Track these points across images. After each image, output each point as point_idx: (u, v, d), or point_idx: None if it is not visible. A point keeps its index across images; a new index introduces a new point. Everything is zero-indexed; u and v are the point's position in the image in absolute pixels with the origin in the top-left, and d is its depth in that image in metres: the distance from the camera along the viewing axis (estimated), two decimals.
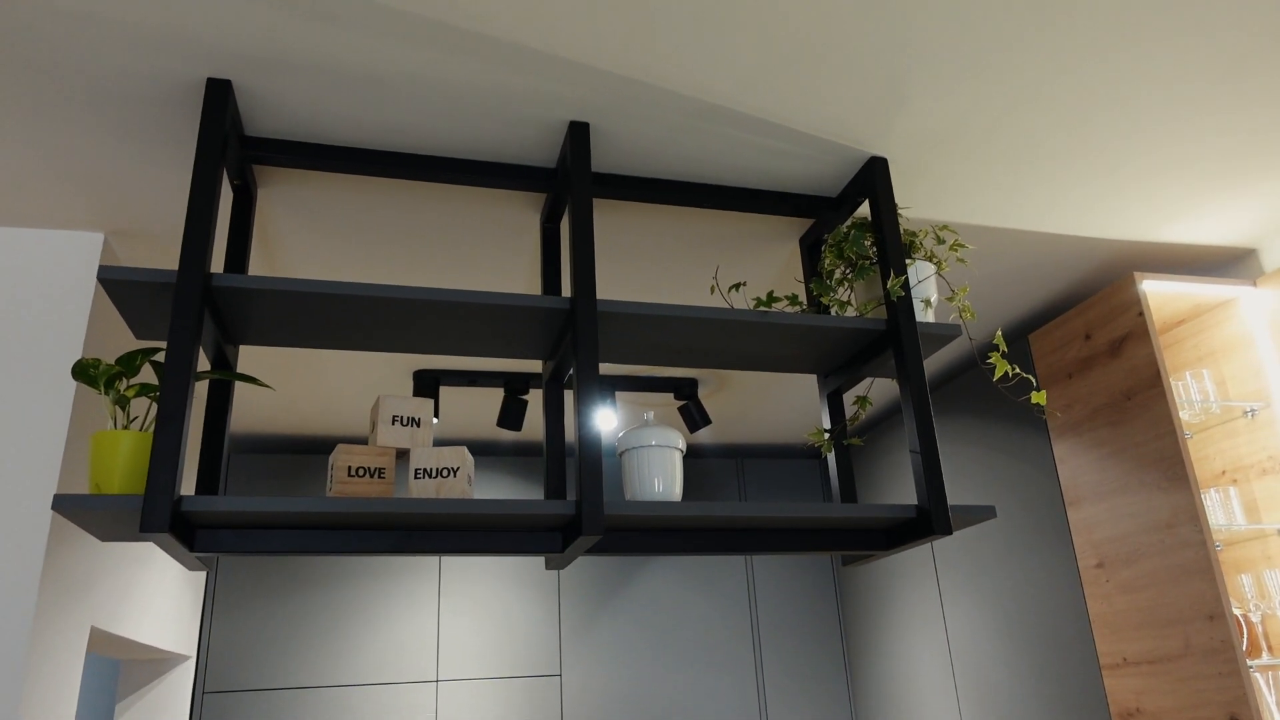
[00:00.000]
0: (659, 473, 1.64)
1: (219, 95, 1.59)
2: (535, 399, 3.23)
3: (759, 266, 2.36)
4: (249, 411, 3.21)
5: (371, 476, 1.48)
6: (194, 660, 3.16)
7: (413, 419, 1.54)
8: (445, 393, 3.12)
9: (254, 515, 1.42)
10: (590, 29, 1.52)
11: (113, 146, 1.76)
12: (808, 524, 1.70)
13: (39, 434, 1.89)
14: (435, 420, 2.93)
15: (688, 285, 2.44)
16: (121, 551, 2.36)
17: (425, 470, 1.50)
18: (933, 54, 1.64)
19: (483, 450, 3.79)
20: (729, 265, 2.35)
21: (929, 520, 1.65)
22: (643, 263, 2.32)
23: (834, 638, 3.80)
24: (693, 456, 3.97)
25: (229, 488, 3.42)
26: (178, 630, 2.93)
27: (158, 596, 2.70)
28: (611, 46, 1.57)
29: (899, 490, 3.45)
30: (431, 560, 3.50)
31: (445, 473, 1.50)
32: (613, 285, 2.43)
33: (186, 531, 1.44)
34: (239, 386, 2.96)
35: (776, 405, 3.45)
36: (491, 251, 2.22)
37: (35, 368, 1.94)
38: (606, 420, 3.14)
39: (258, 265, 2.23)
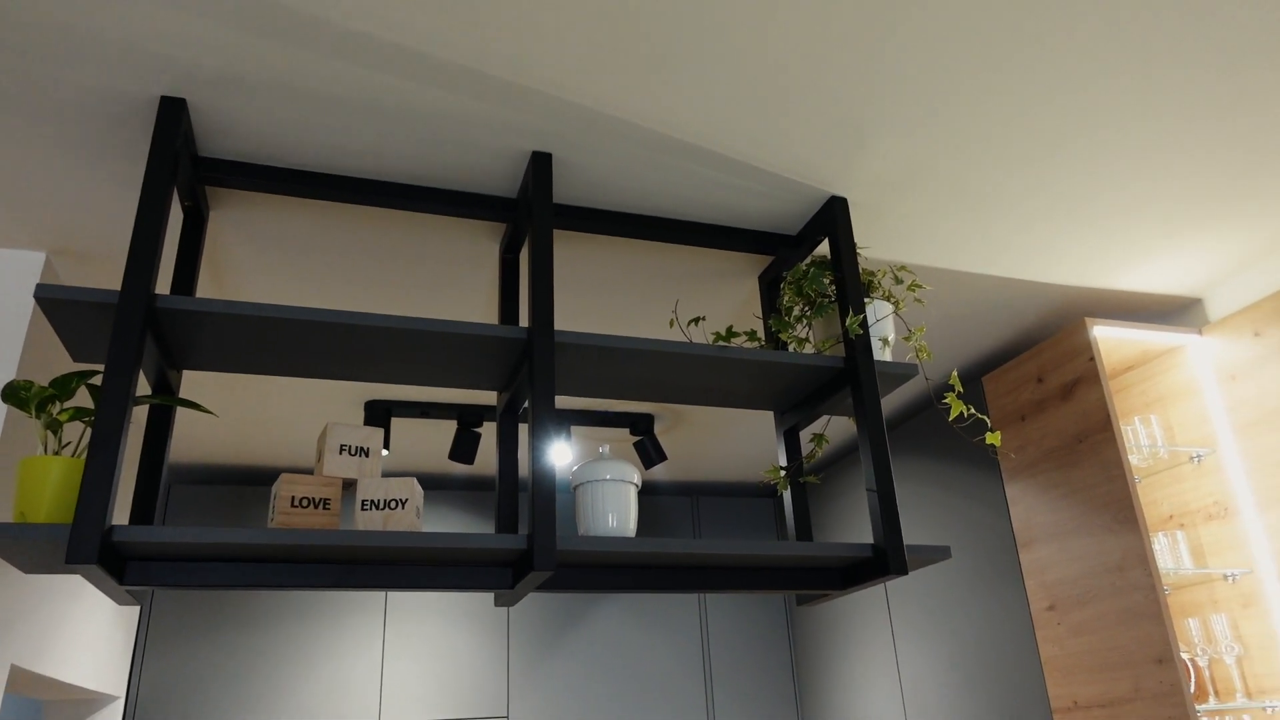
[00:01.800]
0: (613, 508, 1.61)
1: (172, 114, 1.55)
2: (488, 431, 3.18)
3: (718, 302, 2.36)
4: (191, 440, 3.11)
5: (316, 507, 1.43)
6: (123, 701, 3.01)
7: (361, 448, 1.50)
8: (397, 424, 3.06)
9: (189, 547, 1.35)
10: (555, 59, 1.52)
11: (58, 163, 1.71)
12: (763, 562, 1.68)
13: None
14: (386, 452, 2.87)
15: (647, 319, 2.43)
16: (46, 585, 2.25)
17: (373, 501, 1.46)
18: (892, 96, 1.66)
19: (434, 484, 3.71)
20: (689, 300, 2.34)
21: (885, 560, 1.64)
22: (601, 296, 2.31)
23: (786, 678, 3.76)
24: (647, 493, 3.94)
25: (168, 519, 3.30)
26: (106, 669, 2.80)
27: (85, 634, 2.58)
28: (576, 77, 1.56)
29: (856, 529, 3.44)
30: (377, 597, 3.40)
31: (394, 504, 1.46)
32: (571, 318, 2.41)
33: (116, 564, 1.37)
34: (181, 413, 2.87)
35: (732, 443, 3.44)
36: (449, 281, 2.19)
37: None
38: (561, 454, 3.10)
39: (206, 289, 2.17)
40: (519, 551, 1.48)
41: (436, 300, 2.26)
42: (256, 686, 3.18)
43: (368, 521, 1.45)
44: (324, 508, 1.43)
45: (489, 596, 3.53)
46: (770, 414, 3.16)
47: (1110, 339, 2.47)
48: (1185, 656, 2.33)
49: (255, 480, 3.55)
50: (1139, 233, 2.20)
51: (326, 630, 3.31)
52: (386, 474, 3.55)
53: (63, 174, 1.74)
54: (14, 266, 1.97)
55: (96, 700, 2.92)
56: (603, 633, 3.59)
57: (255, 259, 2.06)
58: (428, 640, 3.39)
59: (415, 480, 1.49)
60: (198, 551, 1.40)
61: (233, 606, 3.26)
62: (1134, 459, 2.48)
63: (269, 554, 1.42)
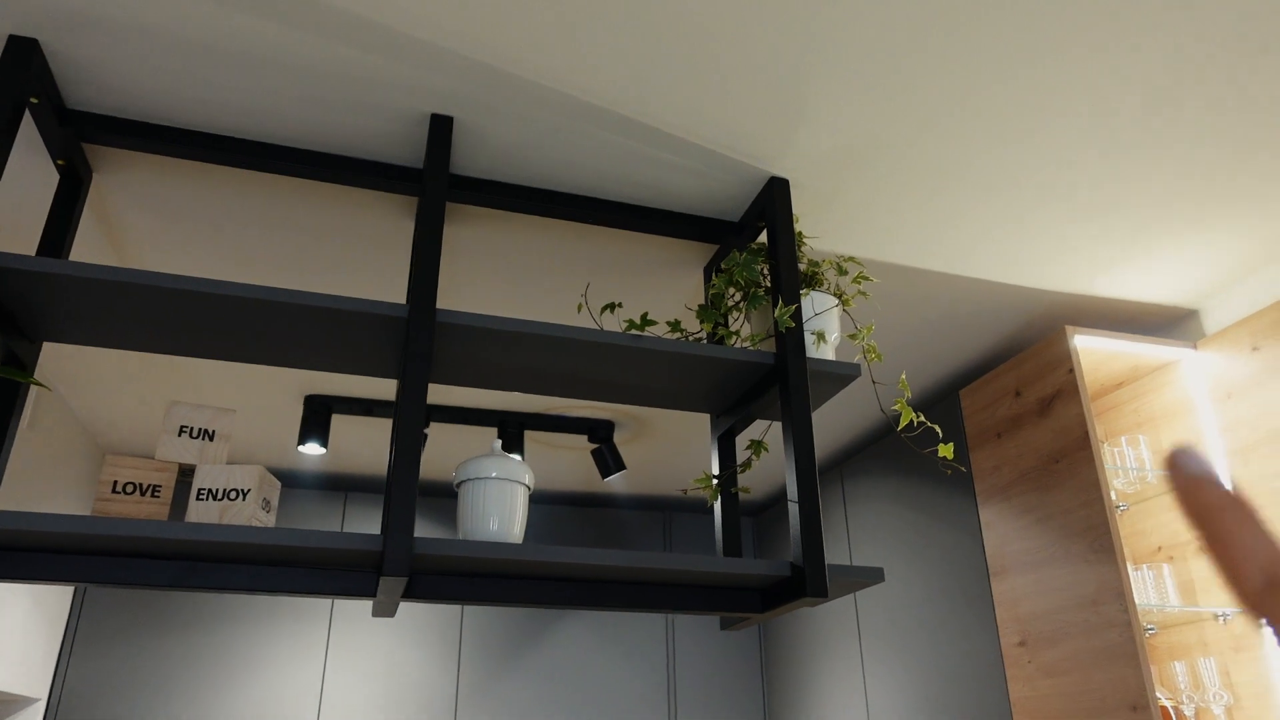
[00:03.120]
0: (495, 510, 1.43)
1: (21, 55, 1.41)
2: (436, 431, 3.01)
3: (663, 295, 2.18)
4: (107, 429, 2.96)
5: (143, 494, 1.26)
6: (44, 703, 2.86)
7: (206, 431, 1.33)
8: (338, 420, 2.90)
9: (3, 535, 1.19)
10: (457, 10, 1.36)
11: None
12: (667, 578, 1.49)
13: None
14: (323, 450, 2.71)
15: (572, 310, 2.26)
16: None
17: (210, 491, 1.29)
18: (836, 60, 1.48)
19: (378, 487, 3.53)
20: (629, 292, 2.16)
21: (803, 581, 1.44)
22: (527, 283, 2.13)
23: (756, 707, 3.53)
24: (614, 507, 3.74)
25: None
26: (23, 670, 2.65)
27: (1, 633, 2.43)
28: (480, 32, 1.40)
29: (835, 554, 3.23)
30: (323, 605, 3.23)
31: (233, 495, 1.29)
32: (493, 306, 2.24)
33: None
34: (117, 399, 2.73)
35: (700, 458, 3.25)
36: (365, 260, 2.03)
37: None
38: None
39: (102, 258, 2.02)
40: (375, 554, 1.31)
41: (352, 280, 2.11)
42: (188, 691, 3.01)
43: (202, 513, 1.28)
44: (153, 495, 1.27)
45: (441, 608, 3.34)
46: (754, 426, 2.97)
47: (1095, 351, 2.26)
48: (1168, 703, 2.10)
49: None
50: (1125, 234, 1.99)
51: (266, 636, 3.14)
52: (327, 475, 3.38)
53: None
54: None
55: (14, 702, 2.77)
56: (561, 652, 3.40)
57: (153, 228, 1.91)
58: (373, 651, 3.21)
59: (263, 468, 1.32)
60: (9, 540, 1.24)
61: (169, 608, 3.10)
62: (1119, 483, 2.26)
63: (91, 546, 1.26)
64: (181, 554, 1.30)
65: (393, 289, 2.14)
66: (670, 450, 3.20)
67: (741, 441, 2.85)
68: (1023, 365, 2.32)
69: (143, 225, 1.89)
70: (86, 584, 1.29)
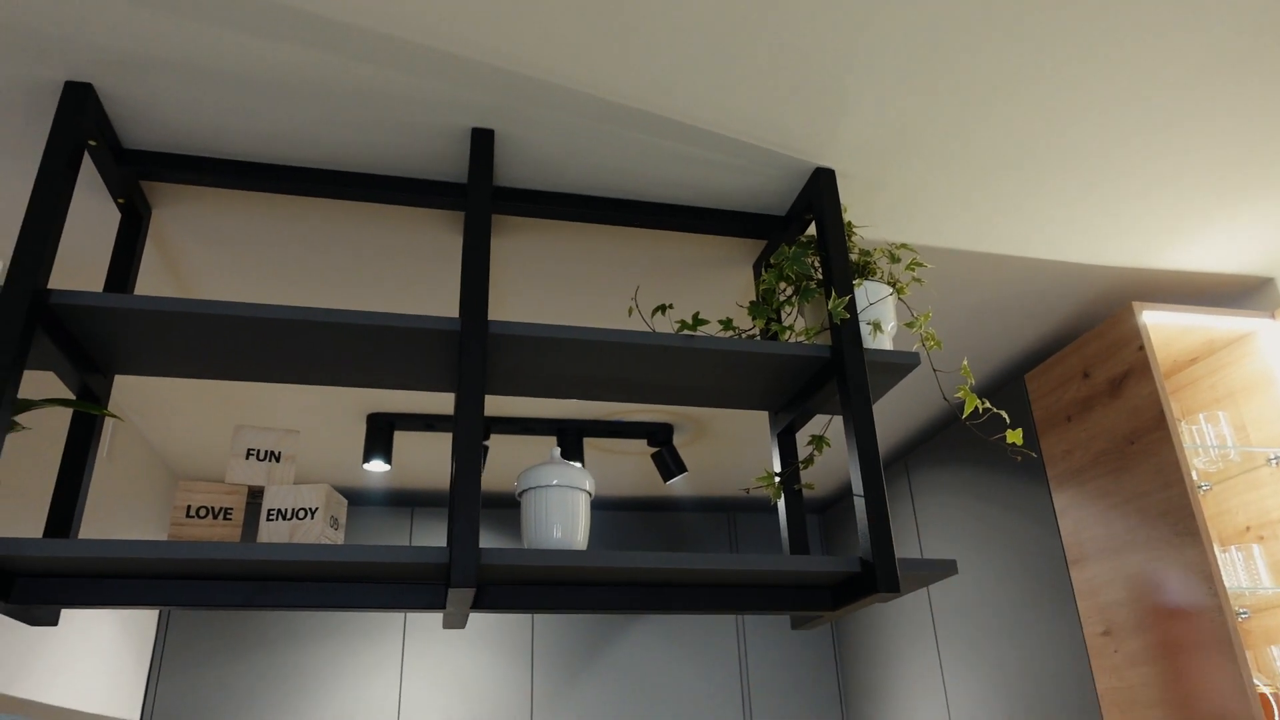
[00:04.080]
0: (559, 518, 1.43)
1: (77, 100, 1.45)
2: (497, 443, 3.04)
3: (713, 294, 2.16)
4: (180, 456, 3.05)
5: (215, 518, 1.29)
6: None
7: (273, 453, 1.36)
8: (400, 437, 2.95)
9: (74, 562, 1.23)
10: (495, 26, 1.37)
11: None
12: (736, 579, 1.48)
13: None
14: (387, 467, 2.75)
15: (622, 317, 2.25)
16: None
17: (279, 511, 1.31)
18: (877, 49, 1.45)
19: (439, 501, 3.57)
20: (677, 293, 2.15)
21: (873, 577, 1.41)
22: (575, 292, 2.14)
23: (833, 707, 3.48)
24: (677, 510, 3.73)
25: None
26: (113, 692, 2.74)
27: (81, 655, 2.52)
28: (517, 45, 1.41)
29: (905, 547, 3.17)
30: (396, 620, 3.28)
31: (301, 514, 1.31)
32: (541, 316, 2.24)
33: (4, 581, 1.26)
34: (179, 427, 2.81)
35: (761, 456, 3.22)
36: (417, 276, 2.06)
37: None
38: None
39: (164, 289, 2.08)
40: (441, 567, 1.32)
41: (406, 297, 2.13)
42: (273, 708, 3.08)
43: (272, 533, 1.31)
44: (225, 518, 1.30)
45: (513, 619, 3.37)
46: (818, 423, 2.93)
47: (1165, 326, 2.18)
48: (1266, 689, 2.01)
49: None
50: (1191, 205, 1.92)
51: (344, 651, 3.20)
52: (389, 492, 3.44)
53: None
54: None
55: None
56: (633, 657, 3.39)
57: (212, 258, 1.96)
58: (448, 663, 3.25)
59: (329, 487, 1.34)
60: (91, 567, 1.28)
61: (249, 627, 3.18)
62: (1199, 462, 2.18)
63: (168, 570, 1.29)
64: (254, 574, 1.33)
65: (443, 303, 2.16)
66: (731, 450, 3.17)
67: (802, 437, 2.81)
68: (1089, 345, 2.25)
69: (200, 255, 1.95)
70: (166, 607, 1.33)
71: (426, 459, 3.14)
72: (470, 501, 1.31)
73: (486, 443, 2.85)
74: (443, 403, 2.72)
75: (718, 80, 1.51)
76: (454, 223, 1.87)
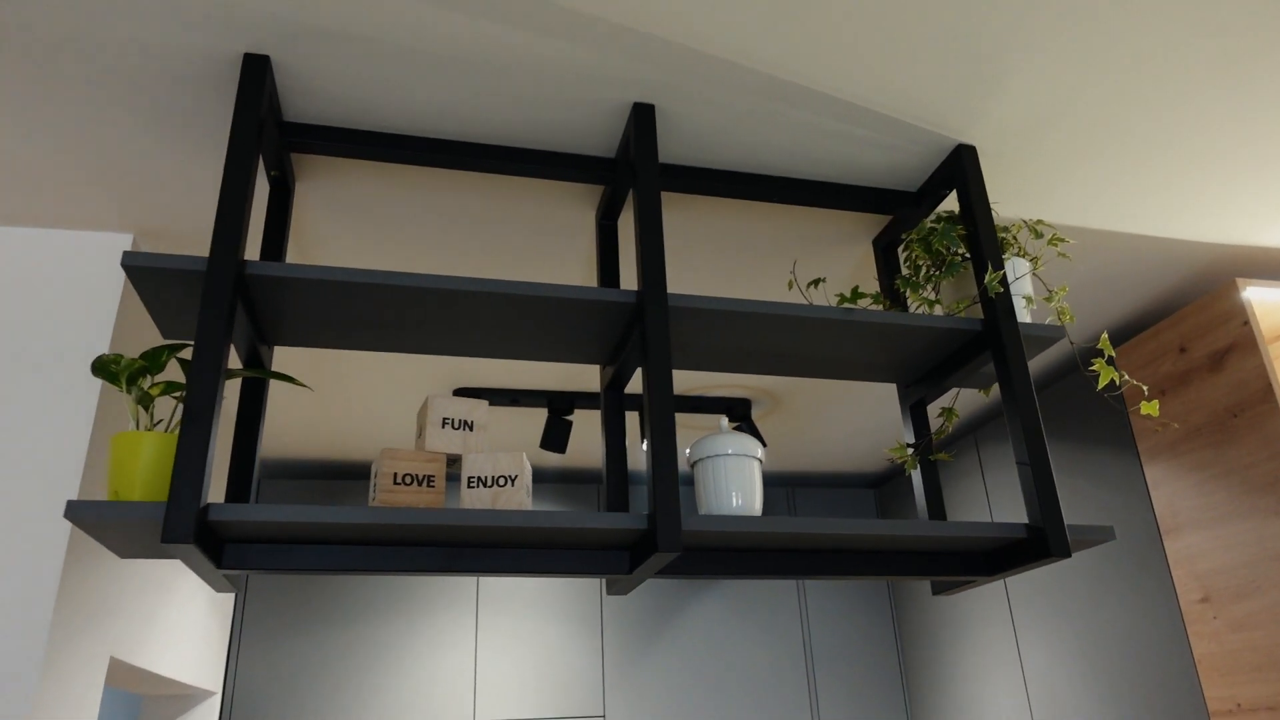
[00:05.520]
0: (736, 485, 1.46)
1: (256, 72, 1.46)
2: (580, 419, 3.07)
3: (829, 269, 2.19)
4: (273, 432, 3.07)
5: (419, 484, 1.32)
6: (219, 696, 2.99)
7: (465, 421, 1.38)
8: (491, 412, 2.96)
9: (288, 527, 1.26)
10: None
11: (139, 136, 1.64)
12: (905, 545, 1.52)
13: (59, 444, 1.76)
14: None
15: (751, 289, 2.28)
16: (144, 575, 2.21)
17: (480, 478, 1.34)
18: (1038, 31, 1.48)
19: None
20: (800, 268, 2.18)
21: (1043, 541, 1.45)
22: (699, 263, 2.16)
23: (893, 668, 3.56)
24: None
25: None
26: (203, 664, 2.77)
27: (182, 627, 2.54)
28: (682, 16, 1.42)
29: (962, 514, 3.23)
30: (469, 592, 3.32)
31: (503, 481, 1.34)
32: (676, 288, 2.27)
33: (213, 545, 1.29)
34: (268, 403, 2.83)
35: (831, 429, 3.26)
36: (540, 250, 2.08)
37: (57, 375, 1.81)
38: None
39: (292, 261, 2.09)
40: (638, 532, 1.35)
41: (525, 271, 2.15)
42: (351, 682, 3.12)
43: (475, 500, 1.33)
44: (428, 485, 1.32)
45: (581, 592, 3.42)
46: (872, 399, 2.98)
47: (1264, 302, 2.22)
48: None
49: (341, 474, 3.50)
50: None
51: (420, 627, 3.24)
52: None
53: (143, 150, 1.67)
54: (101, 249, 1.92)
55: (194, 695, 2.90)
56: (699, 628, 3.45)
57: (340, 230, 1.97)
58: (521, 637, 3.30)
59: (524, 455, 1.37)
60: (296, 532, 1.30)
61: (325, 599, 3.21)
62: None
63: (371, 535, 1.32)
64: (453, 540, 1.36)
65: (567, 276, 2.18)
66: (798, 424, 3.22)
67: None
68: (1186, 321, 2.30)
69: (329, 227, 1.96)
70: (365, 573, 1.36)
71: (509, 433, 3.16)
72: (669, 470, 1.34)
73: (570, 417, 2.88)
74: (527, 378, 2.74)
75: (880, 57, 1.53)
76: (588, 197, 1.89)
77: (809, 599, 3.61)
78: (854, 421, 3.20)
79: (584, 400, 2.87)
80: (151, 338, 2.06)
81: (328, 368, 2.59)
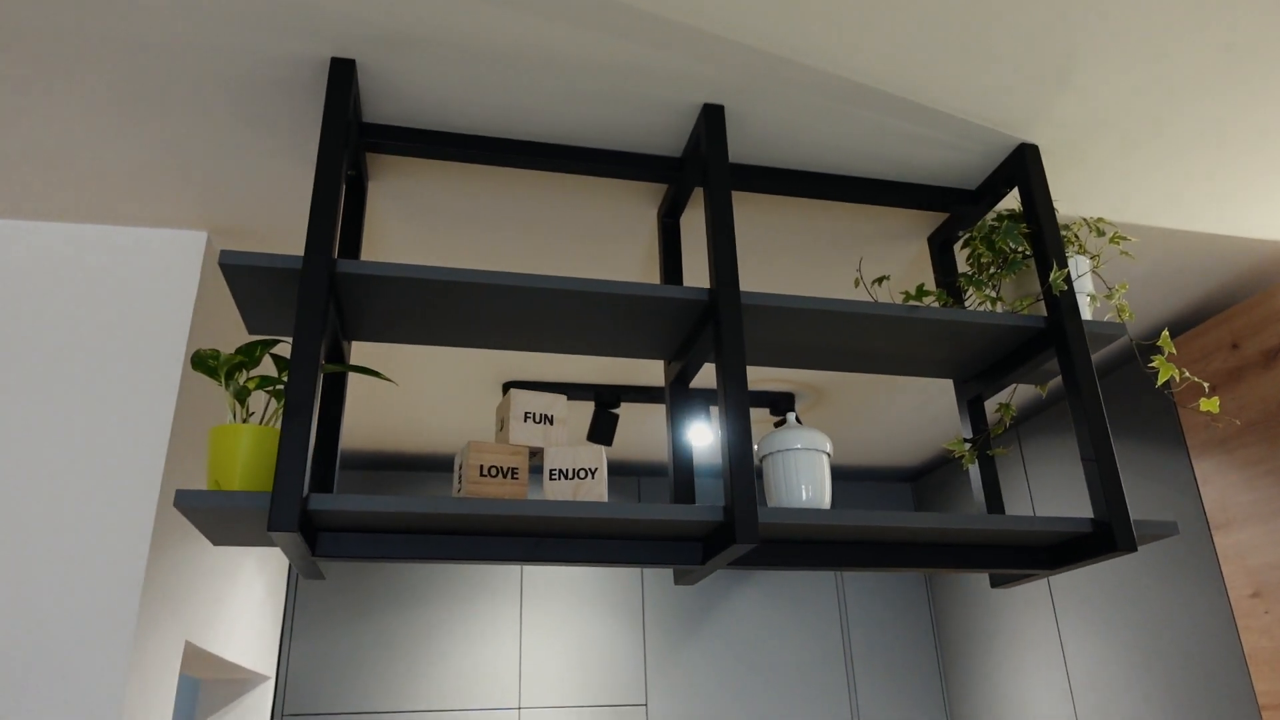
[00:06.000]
0: (807, 479, 1.50)
1: (343, 76, 1.51)
2: (626, 412, 3.11)
3: (885, 266, 2.22)
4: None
5: (504, 476, 1.36)
6: (273, 681, 3.06)
7: (545, 415, 1.43)
8: None
9: (381, 517, 1.31)
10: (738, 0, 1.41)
11: (220, 137, 1.69)
12: (970, 538, 1.55)
13: (141, 436, 1.82)
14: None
15: (806, 285, 2.31)
16: (212, 562, 2.27)
17: (561, 471, 1.38)
18: (1105, 29, 1.50)
19: None
20: (853, 266, 2.21)
21: (1109, 535, 1.48)
22: (756, 260, 2.20)
23: (931, 660, 3.58)
24: None
25: None
26: (260, 649, 2.84)
27: (245, 612, 2.61)
28: (753, 18, 1.46)
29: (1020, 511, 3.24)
30: (513, 582, 3.38)
31: (583, 474, 1.38)
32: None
33: (309, 534, 1.34)
34: None
35: (872, 423, 3.29)
36: (599, 249, 2.12)
37: (137, 372, 1.87)
38: (702, 435, 3.01)
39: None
40: (714, 524, 1.39)
41: (585, 269, 2.19)
42: (399, 669, 3.19)
43: (557, 491, 1.38)
44: (513, 477, 1.37)
45: (623, 582, 3.46)
46: (912, 395, 3.00)
47: None
48: None
49: (391, 465, 3.57)
50: None
51: (465, 615, 3.30)
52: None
53: (223, 150, 1.73)
54: (176, 246, 1.98)
55: (250, 679, 2.97)
56: (739, 619, 3.49)
57: (403, 229, 2.02)
58: (564, 627, 3.35)
59: (603, 449, 1.41)
60: (387, 522, 1.35)
61: (376, 587, 3.28)
62: None
63: (458, 525, 1.37)
64: (535, 530, 1.41)
65: (626, 273, 2.22)
66: (839, 418, 3.24)
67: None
68: (1238, 318, 2.31)
69: (394, 226, 2.00)
70: (451, 561, 1.41)
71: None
72: (745, 464, 1.38)
73: (616, 410, 2.92)
74: (573, 372, 2.78)
75: (946, 59, 1.56)
76: (650, 195, 1.92)
77: (848, 592, 3.64)
78: (894, 416, 3.23)
79: (629, 394, 2.92)
80: (225, 332, 2.12)
81: (376, 362, 2.65)
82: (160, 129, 1.67)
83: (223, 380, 1.36)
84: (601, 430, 2.86)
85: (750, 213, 1.99)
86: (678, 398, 1.74)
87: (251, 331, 1.60)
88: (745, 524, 1.34)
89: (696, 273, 2.22)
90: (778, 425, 3.01)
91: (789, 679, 3.45)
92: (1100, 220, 1.79)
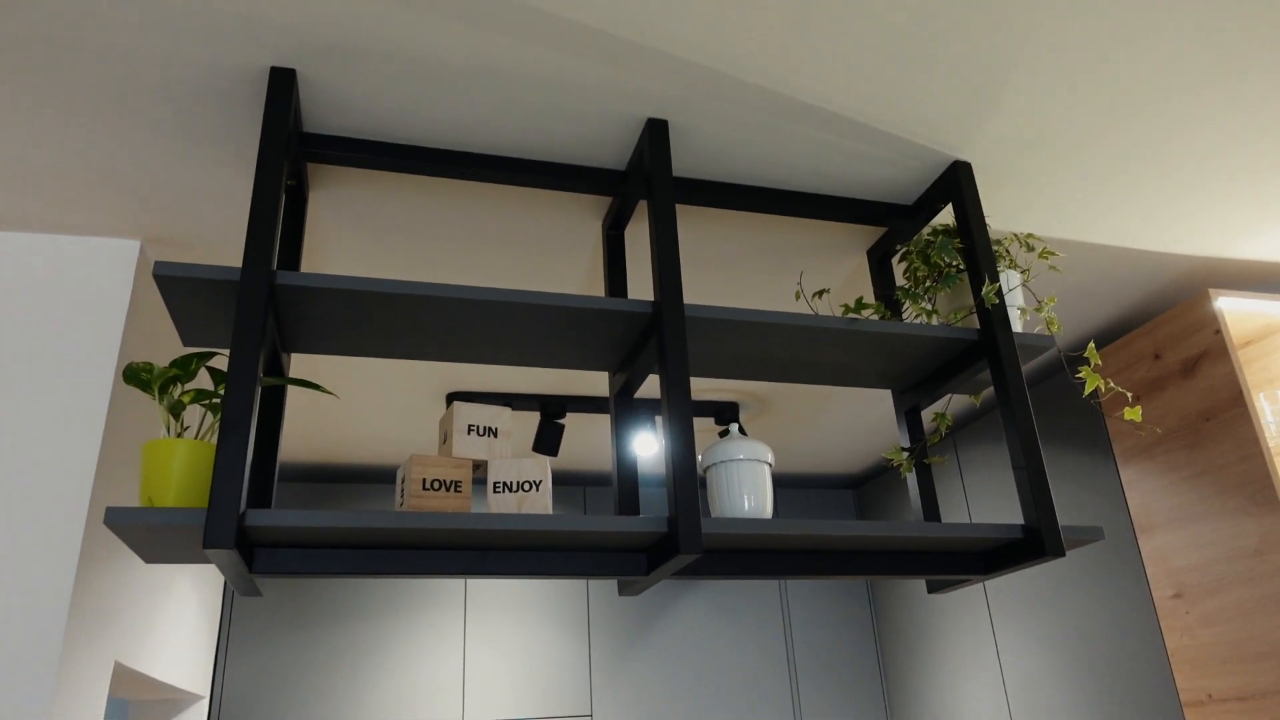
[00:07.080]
0: (749, 489, 1.52)
1: (283, 86, 1.49)
2: (572, 422, 3.11)
3: (824, 280, 2.26)
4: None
5: (448, 490, 1.36)
6: (207, 700, 2.98)
7: (490, 428, 1.43)
8: None
9: (319, 532, 1.29)
10: (683, 17, 1.43)
11: (155, 146, 1.66)
12: (908, 545, 1.59)
13: (70, 451, 1.76)
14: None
15: (745, 298, 2.34)
16: (143, 579, 2.21)
17: (505, 484, 1.38)
18: (1035, 53, 1.56)
19: None
20: (791, 278, 2.25)
21: (1039, 541, 1.53)
22: (700, 273, 2.22)
23: (872, 668, 3.65)
24: None
25: None
26: (193, 668, 2.77)
27: (177, 630, 2.54)
28: (697, 35, 1.48)
29: (955, 518, 3.32)
30: (458, 594, 3.35)
31: (528, 486, 1.38)
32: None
33: (246, 550, 1.31)
34: None
35: (814, 432, 3.34)
36: (542, 262, 2.12)
37: (66, 384, 1.81)
38: (647, 445, 3.02)
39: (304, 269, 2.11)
40: (658, 536, 1.40)
41: (528, 282, 2.19)
42: (340, 684, 3.13)
43: (501, 504, 1.38)
44: (455, 490, 1.36)
45: (568, 593, 3.46)
46: (857, 404, 3.06)
47: (1236, 312, 2.33)
48: None
49: (337, 478, 3.51)
50: (1268, 196, 2.06)
51: (408, 629, 3.26)
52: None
53: (159, 158, 1.69)
54: (109, 255, 1.93)
55: (183, 699, 2.89)
56: (684, 628, 3.51)
57: (344, 240, 2.00)
58: (509, 638, 3.33)
59: (548, 461, 1.41)
60: (326, 537, 1.33)
61: (314, 602, 3.22)
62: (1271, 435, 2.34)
63: (400, 540, 1.36)
64: (479, 544, 1.40)
65: (570, 287, 2.22)
66: (784, 428, 3.29)
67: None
68: (1159, 329, 2.40)
69: (335, 236, 1.98)
70: (394, 576, 1.39)
71: None
72: (689, 475, 1.39)
73: (562, 421, 2.92)
74: (519, 382, 2.78)
75: (885, 79, 1.60)
76: (594, 208, 1.94)
77: (791, 599, 3.68)
78: (836, 425, 3.28)
79: (575, 404, 2.92)
80: (160, 344, 2.07)
81: (316, 373, 2.61)
82: (93, 135, 1.63)
83: (156, 394, 1.33)
84: (547, 441, 2.85)
85: (694, 225, 2.02)
86: (623, 409, 1.75)
87: (187, 344, 1.57)
88: (689, 535, 1.35)
89: (641, 285, 2.23)
90: (722, 435, 3.04)
91: (734, 686, 3.48)
92: (1030, 236, 1.85)
